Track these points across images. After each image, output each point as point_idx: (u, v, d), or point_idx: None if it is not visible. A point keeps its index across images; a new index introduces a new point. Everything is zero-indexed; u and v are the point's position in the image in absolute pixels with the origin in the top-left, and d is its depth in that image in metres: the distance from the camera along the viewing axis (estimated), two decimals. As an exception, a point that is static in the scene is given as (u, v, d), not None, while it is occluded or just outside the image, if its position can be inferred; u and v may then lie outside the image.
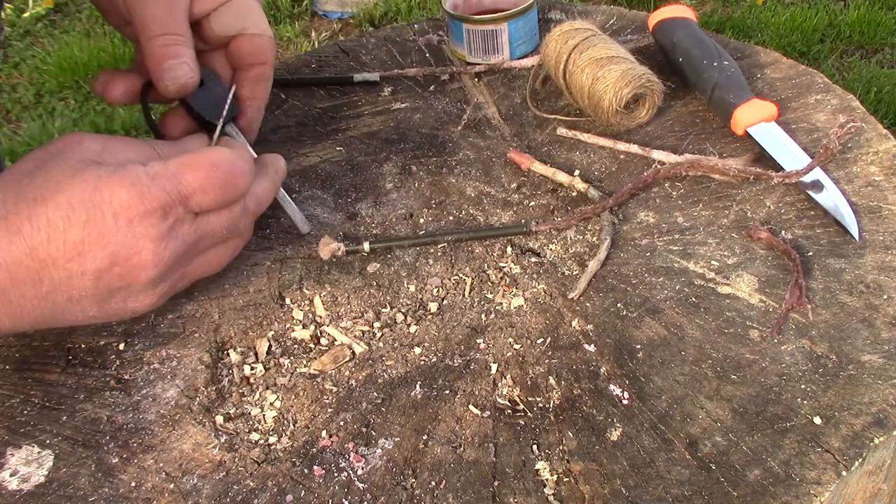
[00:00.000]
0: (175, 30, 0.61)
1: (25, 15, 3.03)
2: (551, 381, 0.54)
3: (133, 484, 0.52)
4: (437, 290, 0.62)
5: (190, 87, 0.62)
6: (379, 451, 0.52)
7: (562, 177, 0.70)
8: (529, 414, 0.53)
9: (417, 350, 0.58)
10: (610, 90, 0.71)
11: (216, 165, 0.55)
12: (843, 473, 0.46)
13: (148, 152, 0.58)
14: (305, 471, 0.51)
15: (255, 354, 0.59)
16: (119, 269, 0.53)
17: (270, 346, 0.60)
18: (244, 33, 0.64)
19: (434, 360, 0.57)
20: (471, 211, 0.69)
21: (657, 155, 0.71)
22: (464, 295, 0.62)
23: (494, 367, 0.56)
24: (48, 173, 0.52)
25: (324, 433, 0.53)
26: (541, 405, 0.53)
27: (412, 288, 0.63)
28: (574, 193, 0.69)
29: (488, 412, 0.53)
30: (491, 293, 0.62)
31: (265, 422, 0.55)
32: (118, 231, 0.52)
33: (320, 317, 0.62)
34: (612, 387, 0.53)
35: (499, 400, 0.54)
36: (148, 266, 0.54)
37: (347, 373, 0.57)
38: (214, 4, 0.63)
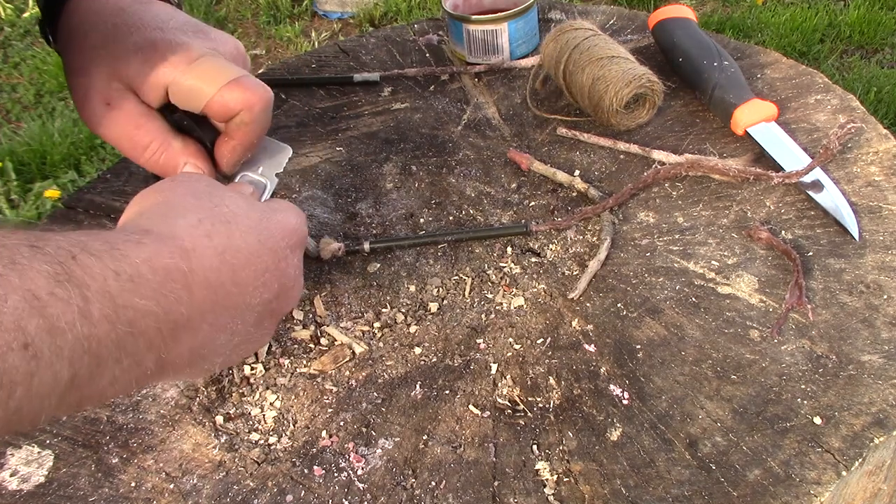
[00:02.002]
0: (154, 140, 0.57)
1: (25, 15, 3.03)
2: (551, 381, 0.54)
3: (133, 484, 0.52)
4: (437, 290, 0.62)
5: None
6: (379, 451, 0.52)
7: (562, 177, 0.70)
8: (529, 414, 0.53)
9: (417, 350, 0.58)
10: (610, 90, 0.71)
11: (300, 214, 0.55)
12: (843, 473, 0.46)
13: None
14: (305, 471, 0.51)
15: (255, 354, 0.59)
16: (278, 302, 0.50)
17: (270, 346, 0.60)
18: (209, 99, 0.57)
19: (434, 360, 0.57)
20: (471, 211, 0.69)
21: (657, 155, 0.71)
22: (464, 295, 0.62)
23: (494, 367, 0.56)
24: (219, 195, 0.49)
25: (324, 433, 0.53)
26: (541, 405, 0.53)
27: (412, 288, 0.63)
28: (574, 193, 0.69)
29: (488, 412, 0.53)
30: (491, 293, 0.62)
31: (265, 422, 0.55)
32: (289, 263, 0.50)
33: (320, 317, 0.62)
34: (612, 387, 0.53)
35: (499, 400, 0.54)
36: (295, 299, 0.53)
37: (347, 373, 0.57)
38: (159, 93, 0.57)
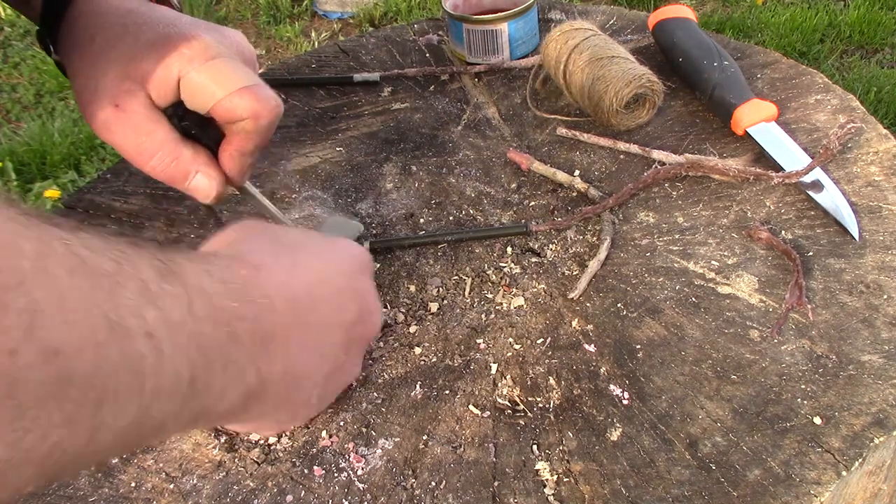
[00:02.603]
0: (163, 148, 0.57)
1: (25, 15, 3.02)
2: (551, 381, 0.54)
3: (133, 484, 0.52)
4: (437, 290, 0.62)
5: (219, 192, 0.59)
6: (379, 451, 0.52)
7: (562, 177, 0.70)
8: (529, 414, 0.53)
9: (417, 350, 0.58)
10: (610, 90, 0.71)
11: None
12: (843, 473, 0.46)
13: None
14: (305, 471, 0.51)
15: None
16: (361, 326, 0.50)
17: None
18: (216, 101, 0.56)
19: (434, 360, 0.57)
20: (471, 211, 0.69)
21: (657, 155, 0.71)
22: (464, 295, 0.62)
23: (494, 367, 0.56)
24: (278, 231, 0.50)
25: (324, 433, 0.53)
26: (541, 405, 0.53)
27: (412, 288, 0.63)
28: (574, 193, 0.69)
29: (488, 412, 0.53)
30: (491, 293, 0.62)
31: (265, 422, 0.55)
32: (362, 285, 0.50)
33: (320, 317, 0.62)
34: (612, 387, 0.53)
35: (499, 400, 0.54)
36: (377, 323, 0.52)
37: (347, 373, 0.57)
38: (171, 88, 0.56)
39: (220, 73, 0.55)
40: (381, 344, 0.59)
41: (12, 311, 0.28)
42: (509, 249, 0.65)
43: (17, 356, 0.28)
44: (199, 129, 0.58)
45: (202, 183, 0.58)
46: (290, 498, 0.50)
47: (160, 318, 0.34)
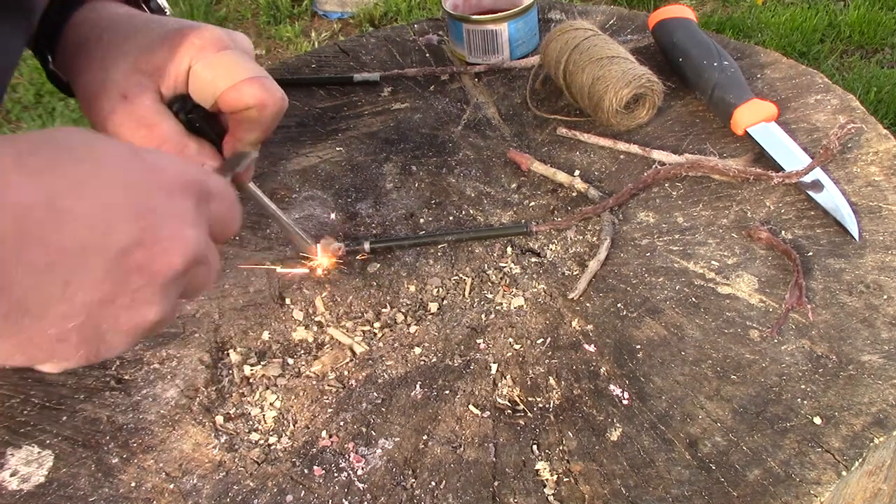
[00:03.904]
0: (168, 141, 0.56)
1: (25, 15, 3.02)
2: (551, 381, 0.54)
3: (133, 484, 0.52)
4: (437, 290, 0.62)
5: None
6: (379, 451, 0.52)
7: (562, 177, 0.70)
8: (529, 414, 0.53)
9: (417, 350, 0.58)
10: (610, 90, 0.71)
11: (226, 185, 0.48)
12: (843, 473, 0.46)
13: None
14: (305, 471, 0.51)
15: (256, 354, 0.59)
16: (143, 253, 0.41)
17: (270, 346, 0.60)
18: (222, 92, 0.56)
19: (434, 360, 0.57)
20: (471, 211, 0.69)
21: (657, 155, 0.71)
22: (464, 295, 0.62)
23: (494, 367, 0.56)
24: (68, 132, 0.41)
25: (324, 433, 0.53)
26: (541, 405, 0.53)
27: (412, 288, 0.63)
28: (574, 193, 0.69)
29: (488, 412, 0.53)
30: (491, 293, 0.62)
31: (265, 422, 0.55)
32: (156, 203, 0.42)
33: (321, 317, 0.62)
34: (612, 387, 0.53)
35: (499, 400, 0.54)
36: (176, 254, 0.42)
37: (347, 373, 0.57)
38: (181, 78, 0.56)
39: (228, 64, 0.56)
40: (382, 344, 0.59)
41: None
42: (509, 249, 0.65)
43: None
44: (204, 123, 0.58)
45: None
46: (290, 498, 0.50)
47: None
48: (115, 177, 0.40)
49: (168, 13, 0.65)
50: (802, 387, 0.51)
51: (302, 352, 0.59)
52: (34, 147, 0.39)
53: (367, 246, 0.65)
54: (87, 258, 0.39)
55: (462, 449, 0.51)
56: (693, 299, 0.58)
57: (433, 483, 0.50)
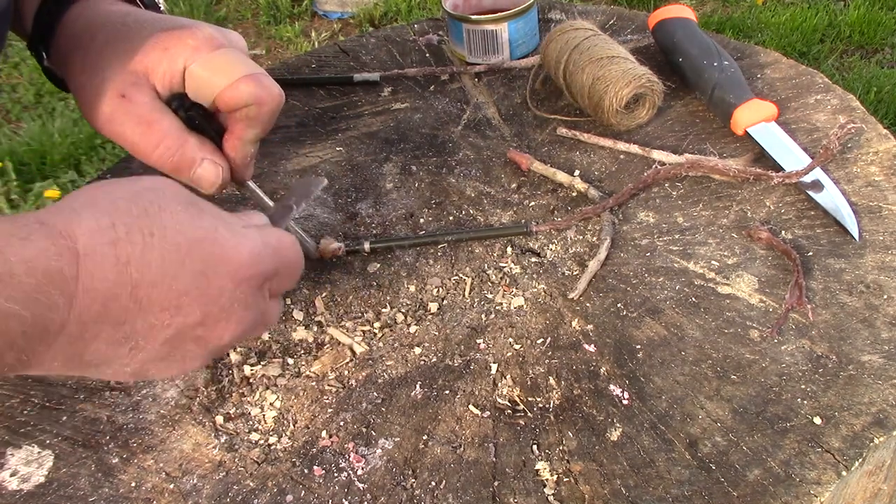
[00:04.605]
0: (168, 137, 0.56)
1: (25, 15, 3.02)
2: (551, 381, 0.54)
3: (133, 484, 0.52)
4: (437, 290, 0.62)
5: (225, 180, 0.58)
6: (379, 451, 0.52)
7: (562, 177, 0.70)
8: (529, 414, 0.53)
9: (417, 350, 0.58)
10: (610, 90, 0.71)
11: (296, 251, 0.51)
12: (843, 473, 0.46)
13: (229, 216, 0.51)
14: (305, 471, 0.51)
15: (256, 354, 0.59)
16: (203, 330, 0.46)
17: (270, 346, 0.60)
18: (220, 91, 0.56)
19: (434, 360, 0.57)
20: (471, 211, 0.69)
21: (657, 155, 0.71)
22: (464, 295, 0.62)
23: (494, 367, 0.56)
24: (160, 205, 0.45)
25: (324, 433, 0.53)
26: (541, 405, 0.53)
27: (412, 288, 0.63)
28: (574, 193, 0.69)
29: (488, 412, 0.53)
30: (491, 293, 0.62)
31: (265, 422, 0.55)
32: (223, 291, 0.46)
33: (321, 317, 0.62)
34: (612, 387, 0.53)
35: (499, 400, 0.54)
36: (228, 332, 0.47)
37: (347, 373, 0.57)
38: (176, 79, 0.56)
39: (224, 63, 0.56)
40: (382, 344, 0.59)
41: None
42: (509, 249, 0.65)
43: None
44: (203, 120, 0.58)
45: (209, 170, 0.57)
46: (290, 498, 0.50)
47: None
48: (191, 266, 0.44)
49: (163, 9, 0.65)
50: (802, 387, 0.51)
51: (302, 352, 0.59)
52: (128, 229, 0.42)
53: (367, 246, 0.65)
54: (156, 333, 0.44)
55: (462, 449, 0.51)
56: (693, 299, 0.58)
57: (433, 483, 0.50)
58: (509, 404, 0.54)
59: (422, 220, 0.69)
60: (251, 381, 0.58)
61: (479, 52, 0.87)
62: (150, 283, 0.43)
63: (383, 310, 0.62)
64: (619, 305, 0.59)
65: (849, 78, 2.15)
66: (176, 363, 0.48)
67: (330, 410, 0.55)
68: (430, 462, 0.51)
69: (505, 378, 0.55)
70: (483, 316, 0.60)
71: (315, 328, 0.61)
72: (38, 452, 0.54)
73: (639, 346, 0.56)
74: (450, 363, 0.57)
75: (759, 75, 0.78)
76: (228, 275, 0.46)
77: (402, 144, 0.78)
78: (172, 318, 0.44)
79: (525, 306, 0.60)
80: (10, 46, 2.86)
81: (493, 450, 0.51)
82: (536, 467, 0.50)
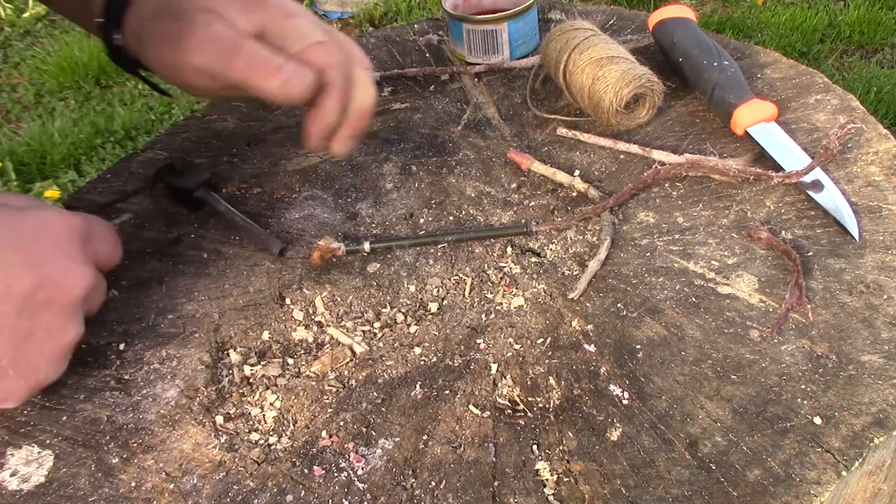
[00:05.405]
0: (254, 45, 0.59)
1: (25, 15, 3.03)
2: (551, 381, 0.54)
3: (133, 484, 0.52)
4: (437, 290, 0.62)
5: (312, 86, 0.60)
6: (379, 451, 0.52)
7: (562, 177, 0.70)
8: (529, 414, 0.53)
9: (417, 350, 0.58)
10: (610, 90, 0.71)
11: (112, 229, 0.58)
12: (843, 473, 0.46)
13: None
14: (305, 471, 0.51)
15: (256, 354, 0.59)
16: (44, 293, 0.50)
17: (270, 346, 0.60)
18: (295, 52, 0.60)
19: (434, 360, 0.57)
20: (471, 211, 0.69)
21: (657, 155, 0.71)
22: (464, 295, 0.62)
23: (494, 367, 0.56)
24: None
25: (324, 433, 0.53)
26: (541, 405, 0.53)
27: (412, 288, 0.63)
28: (574, 193, 0.69)
29: (488, 412, 0.53)
30: (491, 293, 0.62)
31: (265, 422, 0.55)
32: (46, 251, 0.51)
33: (321, 317, 0.62)
34: (612, 387, 0.53)
35: (499, 400, 0.54)
36: (73, 286, 0.52)
37: (347, 373, 0.57)
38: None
39: (297, 30, 0.60)
40: (381, 344, 0.59)
41: None
42: (509, 249, 0.65)
43: None
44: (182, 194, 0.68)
45: (295, 70, 0.58)
46: (290, 498, 0.50)
47: None
48: (5, 240, 0.49)
49: None
50: (802, 387, 0.51)
51: (302, 352, 0.59)
52: None
53: (367, 246, 0.65)
54: (1, 306, 0.48)
55: (462, 449, 0.51)
56: (693, 299, 0.58)
57: (433, 483, 0.50)
58: (509, 404, 0.54)
59: (422, 220, 0.69)
60: (251, 381, 0.58)
61: (479, 52, 0.87)
62: None
63: (383, 310, 0.62)
64: (619, 305, 0.59)
65: (849, 78, 2.15)
66: (47, 339, 0.52)
67: (330, 410, 0.55)
68: (430, 462, 0.51)
69: (505, 378, 0.55)
70: (483, 316, 0.60)
71: (315, 328, 0.61)
72: (38, 452, 0.54)
73: (639, 346, 0.56)
74: (450, 363, 0.57)
75: (759, 75, 0.78)
76: (43, 236, 0.51)
77: (402, 144, 0.78)
78: (8, 289, 0.49)
79: (525, 306, 0.60)
80: (10, 46, 2.86)
81: (493, 450, 0.51)
82: (536, 467, 0.50)
